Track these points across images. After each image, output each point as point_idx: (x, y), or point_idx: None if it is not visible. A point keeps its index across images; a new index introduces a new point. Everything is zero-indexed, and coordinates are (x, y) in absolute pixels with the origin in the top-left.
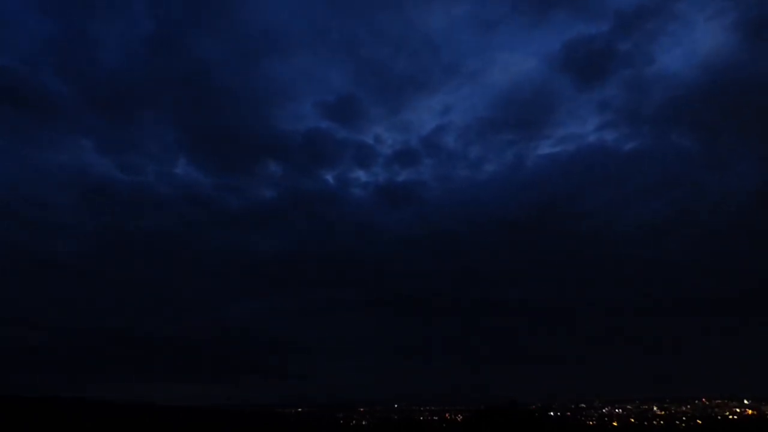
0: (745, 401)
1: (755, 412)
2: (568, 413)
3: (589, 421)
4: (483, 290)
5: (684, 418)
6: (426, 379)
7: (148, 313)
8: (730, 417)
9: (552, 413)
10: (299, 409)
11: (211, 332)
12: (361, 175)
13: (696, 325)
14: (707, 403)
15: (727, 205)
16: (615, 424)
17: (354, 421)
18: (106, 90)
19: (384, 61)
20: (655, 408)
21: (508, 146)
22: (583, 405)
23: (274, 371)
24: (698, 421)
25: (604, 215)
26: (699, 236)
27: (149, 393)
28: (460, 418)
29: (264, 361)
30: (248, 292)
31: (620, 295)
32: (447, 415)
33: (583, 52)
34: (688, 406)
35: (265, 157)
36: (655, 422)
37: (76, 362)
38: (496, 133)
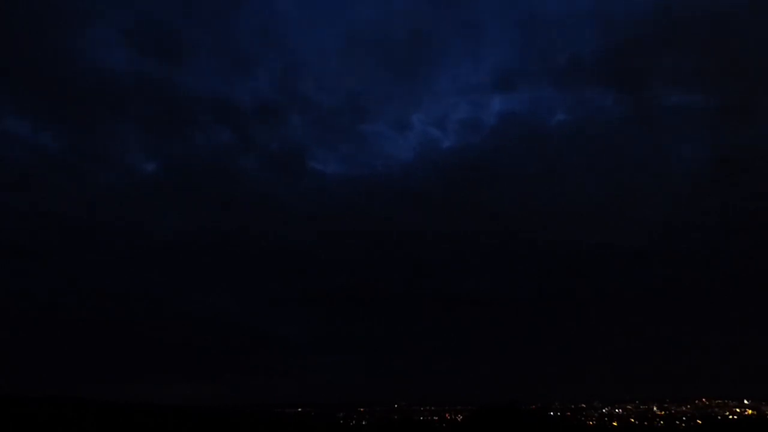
0: (745, 401)
1: (755, 412)
2: (568, 413)
3: (589, 421)
4: (446, 284)
5: (684, 418)
6: (427, 379)
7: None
8: (730, 417)
9: (552, 413)
10: (299, 409)
11: (187, 327)
12: (230, 137)
13: (696, 325)
14: (707, 403)
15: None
16: (615, 424)
17: (354, 421)
18: None
19: None
20: (655, 408)
21: (388, 100)
22: (583, 405)
23: (271, 370)
24: (698, 421)
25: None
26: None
27: (148, 393)
28: (460, 418)
29: (259, 359)
30: (202, 282)
31: (614, 291)
32: (447, 415)
33: None
34: (688, 406)
35: (111, 111)
36: (655, 422)
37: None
38: (360, 66)
